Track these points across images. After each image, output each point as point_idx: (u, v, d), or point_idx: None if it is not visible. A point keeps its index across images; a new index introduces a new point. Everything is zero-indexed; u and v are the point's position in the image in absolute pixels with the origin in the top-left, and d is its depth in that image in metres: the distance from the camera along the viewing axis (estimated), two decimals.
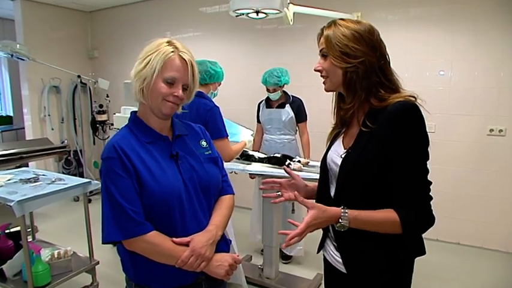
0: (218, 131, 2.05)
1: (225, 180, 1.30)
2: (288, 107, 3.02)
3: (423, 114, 1.00)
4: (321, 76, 1.13)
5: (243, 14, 2.31)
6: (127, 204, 1.04)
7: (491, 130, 3.11)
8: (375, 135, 1.01)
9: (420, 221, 1.01)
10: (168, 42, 1.11)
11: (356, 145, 1.07)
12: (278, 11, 2.26)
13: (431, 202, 1.02)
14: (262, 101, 3.17)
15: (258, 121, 3.19)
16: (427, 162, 1.01)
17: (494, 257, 3.13)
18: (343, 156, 1.10)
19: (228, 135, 2.11)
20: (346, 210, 1.02)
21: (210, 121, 2.04)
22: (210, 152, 1.26)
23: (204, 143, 1.27)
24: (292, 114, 3.01)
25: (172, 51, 1.08)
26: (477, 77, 3.13)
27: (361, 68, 1.03)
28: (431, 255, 3.02)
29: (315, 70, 1.13)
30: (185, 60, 1.10)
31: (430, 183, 1.02)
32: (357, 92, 1.05)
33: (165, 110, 1.10)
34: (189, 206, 1.13)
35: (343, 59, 1.04)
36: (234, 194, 1.32)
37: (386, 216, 1.00)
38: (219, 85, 2.34)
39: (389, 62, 1.08)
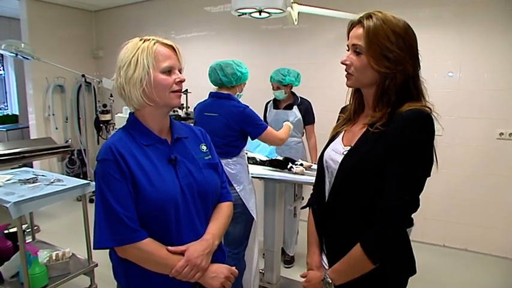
0: (258, 127, 2.08)
1: (224, 187, 1.26)
2: (295, 108, 2.95)
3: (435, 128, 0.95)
4: (346, 70, 1.02)
5: (245, 14, 2.27)
6: (121, 209, 1.00)
7: (501, 134, 3.02)
8: (385, 136, 0.94)
9: (380, 245, 0.95)
10: (142, 39, 1.08)
11: (361, 143, 1.00)
12: (281, 11, 2.21)
13: (404, 226, 0.95)
14: (270, 101, 3.11)
15: (265, 121, 3.12)
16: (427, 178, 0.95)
17: (503, 265, 3.04)
18: (344, 153, 1.03)
19: (267, 126, 2.12)
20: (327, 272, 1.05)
21: (246, 124, 2.06)
22: (210, 157, 1.22)
23: (204, 147, 1.23)
24: (299, 116, 2.94)
25: (154, 43, 1.06)
26: (487, 78, 3.04)
27: (399, 77, 0.95)
28: (438, 261, 3.00)
29: (342, 63, 1.02)
30: (170, 46, 1.09)
31: (418, 204, 0.94)
32: (390, 100, 0.96)
33: (174, 102, 1.09)
34: (185, 213, 1.08)
35: (382, 62, 0.94)
36: (232, 200, 1.28)
37: (353, 252, 0.98)
38: (244, 86, 2.29)
39: (419, 68, 1.00)
